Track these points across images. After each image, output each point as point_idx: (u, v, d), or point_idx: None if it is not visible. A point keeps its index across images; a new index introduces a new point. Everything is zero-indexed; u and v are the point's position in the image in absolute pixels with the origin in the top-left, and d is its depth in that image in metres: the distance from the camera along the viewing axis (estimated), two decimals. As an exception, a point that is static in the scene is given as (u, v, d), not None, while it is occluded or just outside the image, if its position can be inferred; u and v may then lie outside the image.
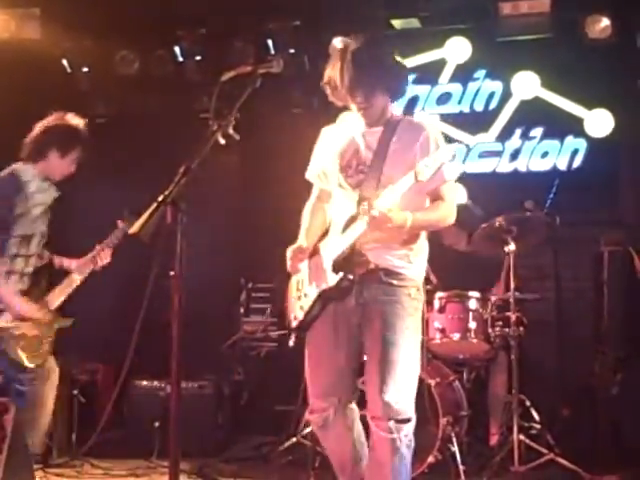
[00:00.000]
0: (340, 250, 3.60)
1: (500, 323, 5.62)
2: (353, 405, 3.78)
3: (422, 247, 3.78)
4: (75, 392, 6.29)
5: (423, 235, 3.77)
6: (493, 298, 5.70)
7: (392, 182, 3.48)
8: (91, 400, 6.58)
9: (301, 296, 3.77)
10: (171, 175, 3.02)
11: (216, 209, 7.10)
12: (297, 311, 3.78)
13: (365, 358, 3.69)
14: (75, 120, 4.99)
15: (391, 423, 3.49)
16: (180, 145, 4.67)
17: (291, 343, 3.75)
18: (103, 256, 5.14)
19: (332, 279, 3.59)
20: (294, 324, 3.78)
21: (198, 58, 7.46)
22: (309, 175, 3.99)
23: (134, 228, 2.83)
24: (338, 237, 3.66)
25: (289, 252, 3.83)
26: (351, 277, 3.56)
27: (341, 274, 3.56)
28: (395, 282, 3.62)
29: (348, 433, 3.75)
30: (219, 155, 3.18)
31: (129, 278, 6.33)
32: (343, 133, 3.84)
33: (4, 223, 4.57)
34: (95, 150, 7.73)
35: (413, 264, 3.69)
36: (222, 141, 3.12)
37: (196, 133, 3.22)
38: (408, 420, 3.54)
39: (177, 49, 7.46)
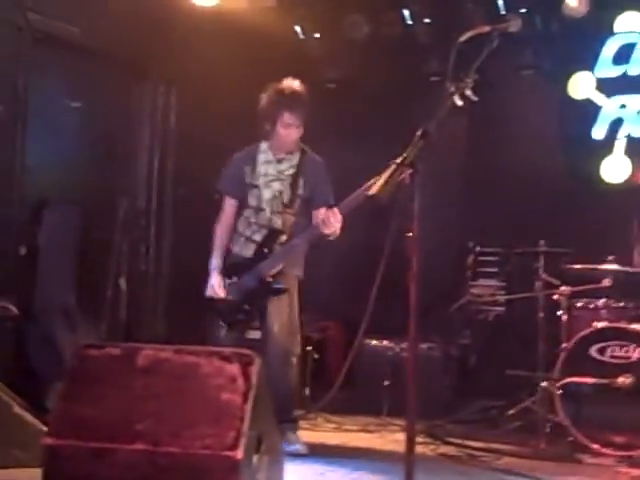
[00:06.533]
0: None
1: None
2: None
3: None
4: (309, 348, 6.50)
5: None
6: None
7: None
8: (323, 356, 6.81)
9: None
10: (402, 138, 3.04)
11: (445, 172, 7.08)
12: None
13: None
14: (279, 86, 5.02)
15: None
16: (409, 108, 4.70)
17: None
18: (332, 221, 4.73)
19: None
20: None
21: (427, 21, 7.42)
22: None
23: (374, 190, 2.88)
24: None
25: None
26: None
27: None
28: None
29: None
30: (448, 118, 3.17)
31: (366, 239, 6.47)
32: None
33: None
34: (325, 115, 7.98)
35: None
36: (459, 103, 3.10)
37: (425, 96, 3.22)
38: None
39: (406, 12, 7.44)
